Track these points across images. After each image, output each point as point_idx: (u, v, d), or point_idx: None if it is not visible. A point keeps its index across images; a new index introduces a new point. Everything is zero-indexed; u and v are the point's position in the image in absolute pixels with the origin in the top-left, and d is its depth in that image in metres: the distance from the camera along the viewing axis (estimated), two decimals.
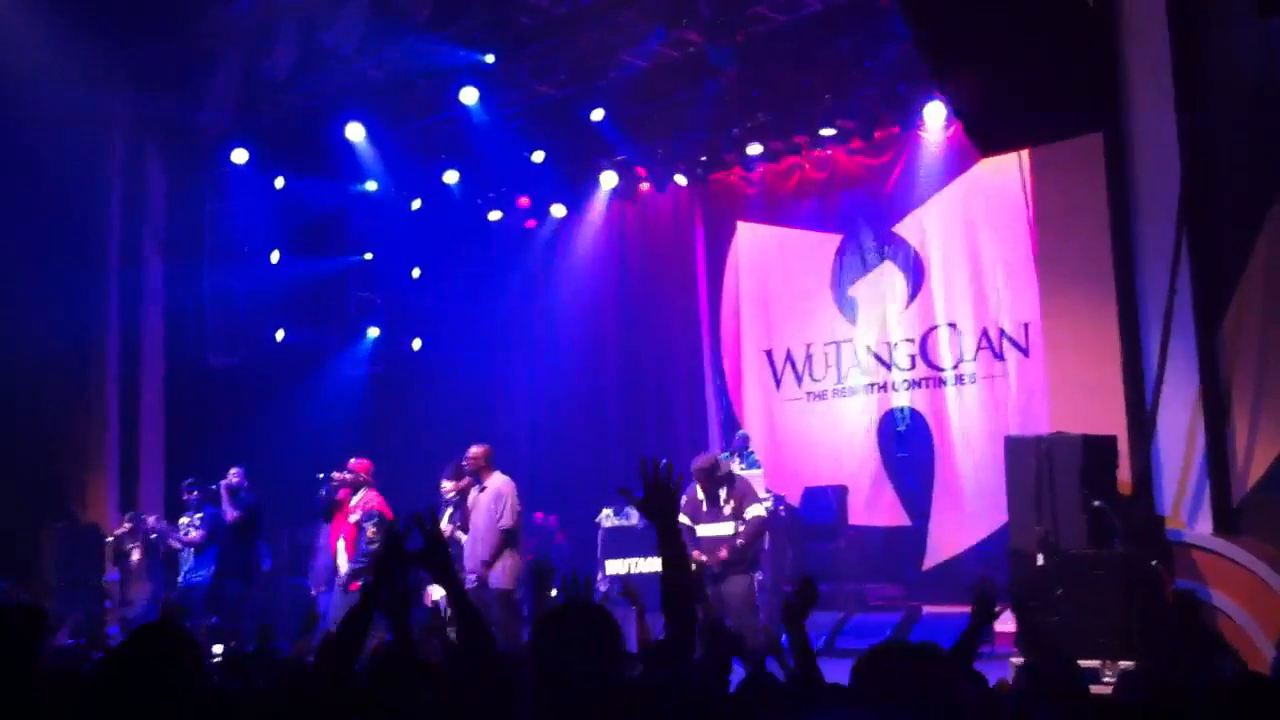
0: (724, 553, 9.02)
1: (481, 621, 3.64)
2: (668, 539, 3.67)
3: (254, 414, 14.09)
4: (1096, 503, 8.38)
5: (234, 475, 11.50)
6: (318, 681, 3.39)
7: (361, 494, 10.46)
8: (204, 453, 12.83)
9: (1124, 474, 8.73)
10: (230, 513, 11.33)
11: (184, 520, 11.68)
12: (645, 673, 4.15)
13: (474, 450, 9.94)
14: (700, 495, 9.29)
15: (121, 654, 2.88)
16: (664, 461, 3.77)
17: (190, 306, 14.60)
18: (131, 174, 14.26)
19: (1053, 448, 8.67)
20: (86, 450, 13.87)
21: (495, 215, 16.62)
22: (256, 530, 11.76)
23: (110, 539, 12.73)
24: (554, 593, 9.80)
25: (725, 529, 9.16)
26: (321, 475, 10.70)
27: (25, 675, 3.26)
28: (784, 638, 4.93)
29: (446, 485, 10.08)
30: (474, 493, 9.89)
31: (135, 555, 12.64)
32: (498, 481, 9.81)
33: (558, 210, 16.51)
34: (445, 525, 9.89)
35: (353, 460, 10.68)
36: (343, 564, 10.24)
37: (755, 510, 9.18)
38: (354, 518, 10.34)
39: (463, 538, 9.87)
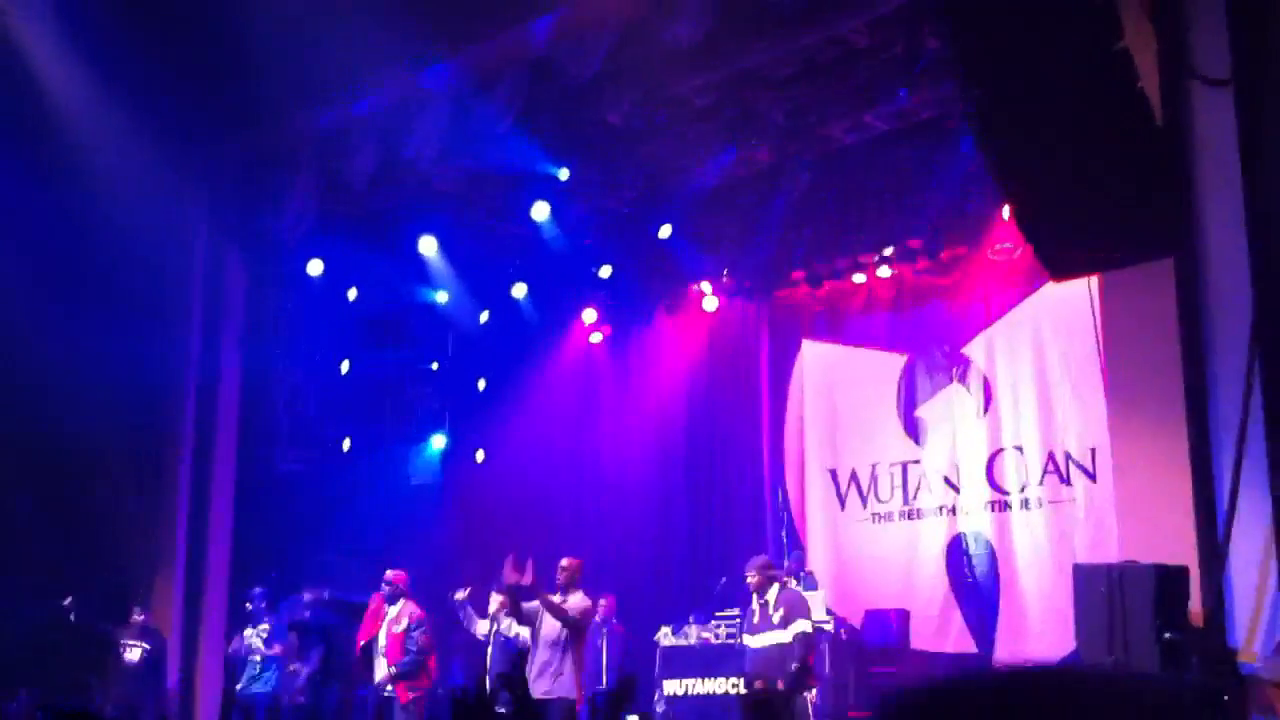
0: (781, 684, 8.93)
1: None
2: None
3: (319, 523, 14.16)
4: (1168, 635, 8.16)
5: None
6: None
7: (400, 604, 10.56)
8: (267, 562, 12.89)
9: (1194, 604, 8.50)
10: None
11: (249, 631, 11.66)
12: None
13: (567, 561, 9.87)
14: (754, 605, 9.29)
15: None
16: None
17: (263, 410, 14.79)
18: (212, 275, 14.40)
19: (1124, 577, 8.48)
20: (157, 552, 13.95)
21: (561, 328, 16.78)
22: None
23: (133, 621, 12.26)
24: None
25: (773, 638, 9.08)
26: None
27: None
28: None
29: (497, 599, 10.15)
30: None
31: (134, 654, 12.24)
32: (578, 599, 9.72)
33: (623, 324, 16.63)
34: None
35: (390, 572, 10.77)
36: (380, 669, 10.34)
37: (801, 626, 9.08)
38: (399, 627, 10.42)
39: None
